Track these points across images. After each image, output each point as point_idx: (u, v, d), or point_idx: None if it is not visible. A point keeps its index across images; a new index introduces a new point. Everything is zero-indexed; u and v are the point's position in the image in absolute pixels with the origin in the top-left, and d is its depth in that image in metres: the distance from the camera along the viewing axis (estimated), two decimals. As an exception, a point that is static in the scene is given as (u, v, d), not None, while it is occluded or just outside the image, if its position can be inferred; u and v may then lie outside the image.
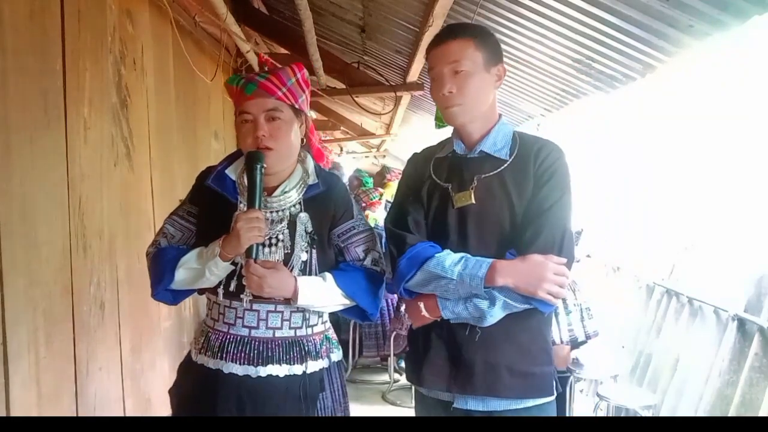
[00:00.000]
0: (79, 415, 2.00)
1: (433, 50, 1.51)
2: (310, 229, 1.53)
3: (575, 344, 2.69)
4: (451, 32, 1.52)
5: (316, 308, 1.54)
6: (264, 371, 1.48)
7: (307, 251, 1.51)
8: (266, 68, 1.64)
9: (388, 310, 4.55)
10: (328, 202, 1.57)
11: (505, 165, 1.48)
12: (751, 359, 2.61)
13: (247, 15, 4.00)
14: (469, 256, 1.42)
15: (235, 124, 1.56)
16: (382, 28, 4.02)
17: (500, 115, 1.56)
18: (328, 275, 1.53)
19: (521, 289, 1.37)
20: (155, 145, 2.69)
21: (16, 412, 1.66)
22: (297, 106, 1.54)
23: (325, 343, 1.60)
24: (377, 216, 4.62)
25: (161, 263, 1.51)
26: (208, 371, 1.50)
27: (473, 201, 1.47)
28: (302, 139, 1.59)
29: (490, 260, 1.40)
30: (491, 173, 1.48)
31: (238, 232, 1.40)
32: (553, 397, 1.51)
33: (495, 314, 1.40)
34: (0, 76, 1.64)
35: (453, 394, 1.49)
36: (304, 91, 1.57)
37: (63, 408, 1.92)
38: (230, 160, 1.60)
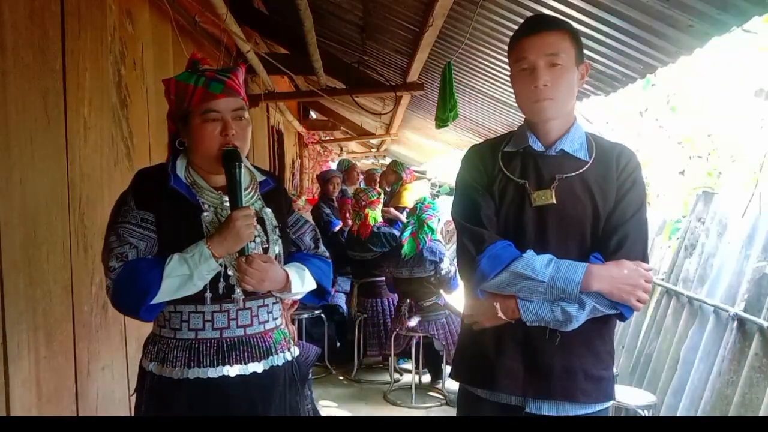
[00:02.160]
0: (80, 415, 2.00)
1: (527, 39, 1.42)
2: (275, 223, 1.57)
3: None
4: (547, 23, 1.45)
5: (298, 296, 1.61)
6: (267, 364, 1.52)
7: (278, 244, 1.56)
8: (202, 65, 1.59)
9: (390, 311, 4.55)
10: (279, 197, 1.65)
11: (587, 167, 1.44)
12: (751, 359, 2.61)
13: (247, 15, 4.00)
14: (556, 258, 1.38)
15: (192, 124, 1.47)
16: (382, 28, 4.03)
17: (576, 116, 1.52)
18: (300, 264, 1.61)
19: (614, 295, 1.35)
20: (155, 145, 2.68)
21: (16, 412, 1.66)
22: (248, 107, 1.56)
23: (287, 330, 1.67)
24: (376, 215, 4.61)
25: (141, 276, 1.39)
26: (209, 382, 1.45)
27: (554, 200, 1.42)
28: None
29: (585, 264, 1.36)
30: (573, 173, 1.44)
31: (238, 230, 1.40)
32: (614, 401, 1.51)
33: (581, 319, 1.37)
34: (0, 76, 1.64)
35: (525, 398, 1.44)
36: (246, 91, 1.59)
37: (63, 408, 1.92)
38: (173, 161, 1.53)
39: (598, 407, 1.45)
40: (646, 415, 2.68)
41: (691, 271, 3.33)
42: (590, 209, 1.42)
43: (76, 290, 2.00)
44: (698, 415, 2.83)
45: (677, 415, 2.98)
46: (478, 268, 1.40)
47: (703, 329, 3.03)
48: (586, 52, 2.90)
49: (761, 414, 2.47)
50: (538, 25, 1.45)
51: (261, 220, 1.53)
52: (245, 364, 1.49)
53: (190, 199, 1.48)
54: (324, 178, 5.87)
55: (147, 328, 1.60)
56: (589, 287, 1.35)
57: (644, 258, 1.41)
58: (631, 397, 2.77)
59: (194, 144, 1.49)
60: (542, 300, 1.38)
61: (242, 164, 1.45)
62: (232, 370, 1.47)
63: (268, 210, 1.57)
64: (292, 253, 1.65)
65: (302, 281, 1.57)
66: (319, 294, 1.68)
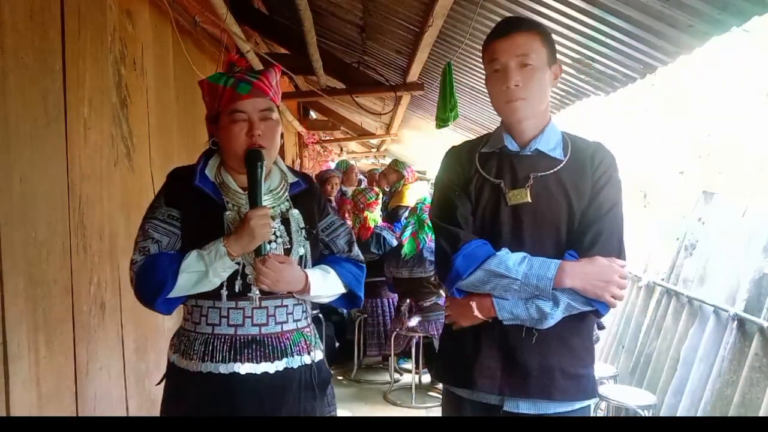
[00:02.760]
0: (80, 415, 2.00)
1: (498, 41, 1.46)
2: (302, 224, 1.56)
3: None
4: (519, 25, 1.47)
5: (322, 299, 1.59)
6: (280, 365, 1.51)
7: (303, 246, 1.55)
8: (237, 68, 1.61)
9: (389, 309, 4.55)
10: (311, 199, 1.64)
11: (561, 165, 1.46)
12: (751, 359, 2.61)
13: (247, 15, 4.00)
14: (530, 256, 1.39)
15: (218, 124, 1.52)
16: (382, 28, 4.03)
17: (551, 116, 1.54)
18: (327, 267, 1.59)
19: (588, 291, 1.36)
20: (155, 145, 2.69)
21: (16, 412, 1.66)
22: (279, 107, 1.56)
23: (314, 333, 1.65)
24: (375, 216, 4.61)
25: (159, 270, 1.44)
26: (219, 377, 1.47)
27: (529, 199, 1.44)
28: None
29: (558, 261, 1.38)
30: (547, 172, 1.46)
31: (252, 229, 1.41)
32: (596, 399, 1.51)
33: (556, 316, 1.38)
34: (0, 76, 1.64)
35: (503, 397, 1.45)
36: (279, 92, 1.59)
37: (63, 408, 1.92)
38: (204, 160, 1.58)
39: (577, 405, 1.45)
40: (646, 415, 2.68)
41: (691, 271, 3.33)
42: (565, 207, 1.43)
43: (75, 290, 2.00)
44: (698, 415, 2.83)
45: (677, 415, 2.98)
46: (453, 267, 1.42)
47: (703, 329, 3.03)
48: (585, 52, 2.92)
49: (761, 414, 2.47)
50: (509, 26, 1.48)
51: (286, 221, 1.54)
52: (257, 363, 1.49)
53: (214, 198, 1.51)
54: (322, 178, 5.87)
55: (144, 329, 1.61)
56: (562, 284, 1.36)
57: (619, 254, 1.41)
58: (631, 397, 2.77)
59: (224, 144, 1.53)
60: (517, 298, 1.39)
61: (263, 165, 1.46)
62: (243, 368, 1.48)
63: (296, 211, 1.56)
64: (325, 256, 1.65)
65: (325, 284, 1.56)
66: (350, 299, 1.66)
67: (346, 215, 4.95)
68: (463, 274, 1.41)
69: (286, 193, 1.58)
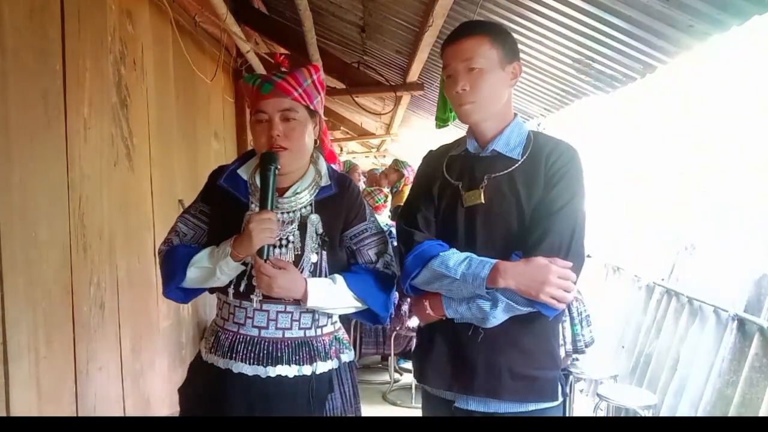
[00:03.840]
0: (79, 415, 2.00)
1: (448, 47, 1.49)
2: (320, 230, 1.52)
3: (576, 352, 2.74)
4: (466, 29, 1.49)
5: (326, 310, 1.53)
6: (273, 371, 1.48)
7: (317, 253, 1.51)
8: (283, 68, 1.61)
9: (389, 309, 4.54)
10: (340, 204, 1.57)
11: (517, 165, 1.46)
12: (751, 359, 2.61)
13: (247, 15, 4.00)
14: (474, 256, 1.40)
15: (249, 124, 1.58)
16: (382, 28, 4.03)
17: (516, 114, 1.54)
18: (339, 277, 1.52)
19: (523, 291, 1.35)
20: (155, 145, 2.69)
21: (16, 412, 1.66)
22: (312, 107, 1.53)
23: (334, 344, 1.58)
24: (384, 219, 4.60)
25: (173, 261, 1.51)
26: (218, 371, 1.50)
27: (482, 200, 1.45)
28: (315, 141, 1.58)
29: (494, 261, 1.38)
30: (502, 173, 1.47)
31: (250, 232, 1.40)
32: (557, 402, 1.48)
33: (497, 316, 1.38)
34: (0, 76, 1.64)
35: (454, 393, 1.48)
36: (319, 93, 1.56)
37: (63, 408, 1.92)
38: (243, 159, 1.61)
39: (531, 406, 1.44)
40: (646, 415, 2.68)
41: (691, 271, 3.33)
42: (514, 207, 1.44)
43: (75, 290, 2.00)
44: (698, 415, 2.83)
45: (677, 415, 2.98)
46: (405, 267, 1.47)
47: (703, 329, 3.03)
48: (586, 52, 2.92)
49: (761, 414, 2.47)
50: (458, 32, 1.50)
51: (303, 226, 1.52)
52: (249, 364, 1.48)
53: (240, 197, 1.53)
54: None
55: (140, 329, 1.62)
56: (496, 284, 1.36)
57: (567, 253, 1.37)
58: (631, 397, 2.77)
59: (253, 143, 1.56)
60: (460, 297, 1.41)
61: (276, 168, 1.45)
62: (236, 367, 1.48)
63: (315, 216, 1.52)
64: (351, 265, 1.59)
65: (328, 295, 1.49)
66: (370, 315, 1.58)
67: None
68: (411, 273, 1.45)
69: (312, 197, 1.55)
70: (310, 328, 1.54)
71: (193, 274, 1.49)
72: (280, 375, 1.48)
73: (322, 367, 1.53)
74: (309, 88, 1.52)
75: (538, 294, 1.34)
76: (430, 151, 1.66)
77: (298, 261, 1.49)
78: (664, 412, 3.09)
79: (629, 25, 2.42)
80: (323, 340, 1.56)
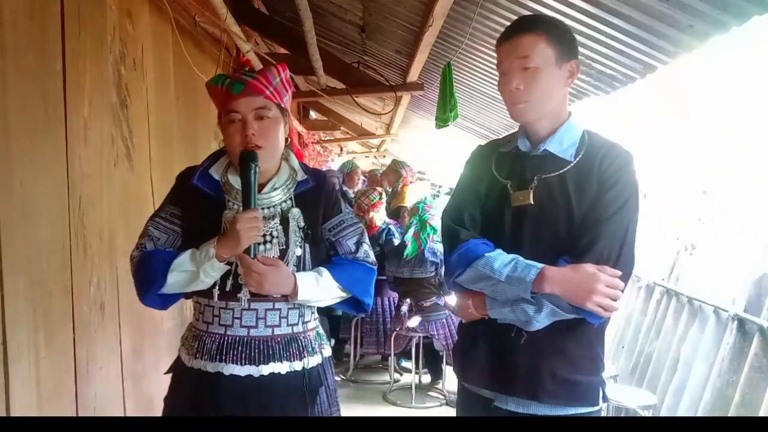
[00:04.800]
0: (79, 415, 2.00)
1: (503, 44, 1.45)
2: (302, 224, 1.54)
3: None
4: (522, 26, 1.46)
5: (314, 303, 1.56)
6: (266, 369, 1.49)
7: (301, 246, 1.53)
8: (247, 68, 1.61)
9: (390, 309, 4.54)
10: (318, 197, 1.60)
11: (569, 167, 1.43)
12: (751, 359, 2.61)
13: (247, 15, 4.00)
14: (520, 258, 1.38)
15: (220, 125, 1.54)
16: (382, 28, 4.03)
17: (570, 113, 1.51)
18: (324, 269, 1.54)
19: (569, 298, 1.33)
20: (155, 145, 2.69)
21: (16, 412, 1.66)
22: (283, 105, 1.54)
23: (318, 339, 1.62)
24: (382, 216, 4.60)
25: (151, 267, 1.47)
26: (207, 375, 1.48)
27: (531, 201, 1.42)
28: (286, 139, 1.59)
29: (541, 265, 1.35)
30: (553, 174, 1.43)
31: (238, 232, 1.39)
32: (597, 407, 1.48)
33: (541, 320, 1.36)
34: (0, 76, 1.64)
35: (494, 392, 1.48)
36: (287, 91, 1.56)
37: (63, 408, 1.92)
38: (212, 159, 1.59)
39: (571, 411, 1.43)
40: (646, 415, 2.68)
41: (691, 271, 3.33)
42: (564, 210, 1.41)
43: (75, 290, 2.00)
44: (698, 415, 2.83)
45: (677, 415, 2.98)
46: (450, 265, 1.47)
47: (703, 329, 3.03)
48: (585, 52, 2.92)
49: (761, 414, 2.47)
50: (512, 29, 1.47)
51: (285, 221, 1.52)
52: (241, 365, 1.47)
53: (215, 197, 1.52)
54: None
55: (141, 330, 1.62)
56: (541, 289, 1.34)
57: (616, 261, 1.35)
58: (631, 397, 2.77)
59: (225, 144, 1.54)
60: (504, 298, 1.40)
61: (257, 166, 1.44)
62: (227, 369, 1.47)
63: (296, 210, 1.54)
64: (331, 257, 1.61)
65: (317, 288, 1.51)
66: (354, 304, 1.61)
67: None
68: (455, 272, 1.45)
69: (290, 192, 1.56)
70: (297, 324, 1.55)
71: (174, 279, 1.45)
72: (272, 372, 1.49)
73: (311, 361, 1.55)
74: (279, 86, 1.52)
75: (584, 302, 1.32)
76: (480, 146, 1.63)
77: (283, 256, 1.50)
78: (664, 412, 3.09)
79: (629, 25, 2.42)
80: (309, 336, 1.58)
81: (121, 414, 2.32)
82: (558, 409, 1.43)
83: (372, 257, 1.66)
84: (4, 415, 1.62)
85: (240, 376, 1.47)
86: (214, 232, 1.46)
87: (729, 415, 2.63)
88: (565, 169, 1.43)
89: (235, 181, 1.53)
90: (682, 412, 2.97)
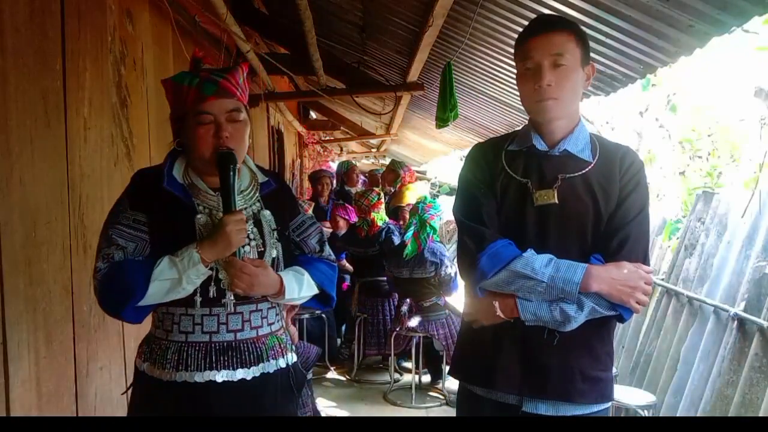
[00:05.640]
0: (80, 415, 2.00)
1: (533, 39, 1.43)
2: (274, 225, 1.53)
3: None
4: (554, 24, 1.46)
5: (295, 301, 1.56)
6: (257, 370, 1.48)
7: (276, 247, 1.53)
8: (203, 64, 1.57)
9: (390, 309, 4.54)
10: (282, 198, 1.60)
11: (590, 167, 1.44)
12: (751, 359, 2.61)
13: (247, 15, 4.00)
14: (556, 258, 1.38)
15: (182, 124, 1.47)
16: (382, 28, 4.03)
17: (580, 117, 1.53)
18: (300, 268, 1.56)
19: (614, 296, 1.35)
20: (155, 145, 2.69)
21: (16, 412, 1.66)
22: (247, 106, 1.52)
23: (287, 336, 1.62)
24: (382, 215, 4.59)
25: (127, 278, 1.38)
26: (195, 386, 1.43)
27: (556, 200, 1.42)
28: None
29: (584, 265, 1.36)
30: (575, 174, 1.44)
31: (228, 235, 1.37)
32: (612, 402, 1.50)
33: (580, 320, 1.37)
34: (0, 76, 1.64)
35: (522, 397, 1.44)
36: (247, 91, 1.55)
37: (63, 408, 1.92)
38: (171, 161, 1.52)
39: (595, 408, 1.45)
40: (646, 415, 2.68)
41: (691, 271, 3.33)
42: (592, 210, 1.42)
43: (75, 290, 2.00)
44: (698, 415, 2.83)
45: (677, 415, 2.98)
46: (479, 266, 1.40)
47: (703, 329, 3.03)
48: (586, 52, 2.91)
49: (761, 414, 2.47)
50: (545, 25, 1.46)
51: (258, 223, 1.51)
52: (233, 369, 1.45)
53: (184, 200, 1.46)
54: (314, 178, 5.88)
55: (145, 329, 1.60)
56: (588, 288, 1.34)
57: (645, 260, 1.41)
58: (631, 397, 2.77)
59: (190, 146, 1.47)
60: (541, 300, 1.38)
61: (236, 168, 1.43)
62: (219, 376, 1.43)
63: (267, 212, 1.53)
64: (296, 256, 1.61)
65: (299, 286, 1.53)
66: (323, 300, 1.63)
67: (340, 223, 4.93)
68: (488, 273, 1.39)
69: (257, 194, 1.55)
70: (274, 323, 1.56)
71: (154, 289, 1.37)
72: (264, 372, 1.49)
73: (292, 357, 1.57)
74: (243, 87, 1.50)
75: (628, 299, 1.36)
76: (479, 144, 1.61)
77: (260, 257, 1.49)
78: (664, 412, 3.09)
79: (629, 25, 2.42)
80: (283, 333, 1.59)
81: (124, 414, 2.32)
82: (584, 408, 1.44)
83: (333, 255, 1.70)
84: (4, 415, 1.62)
85: (233, 381, 1.45)
86: (188, 238, 1.41)
87: (729, 415, 2.63)
88: (587, 170, 1.44)
89: (199, 183, 1.49)
90: (682, 412, 2.97)
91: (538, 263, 1.37)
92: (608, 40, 2.67)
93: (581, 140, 1.47)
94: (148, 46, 2.67)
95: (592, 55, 2.88)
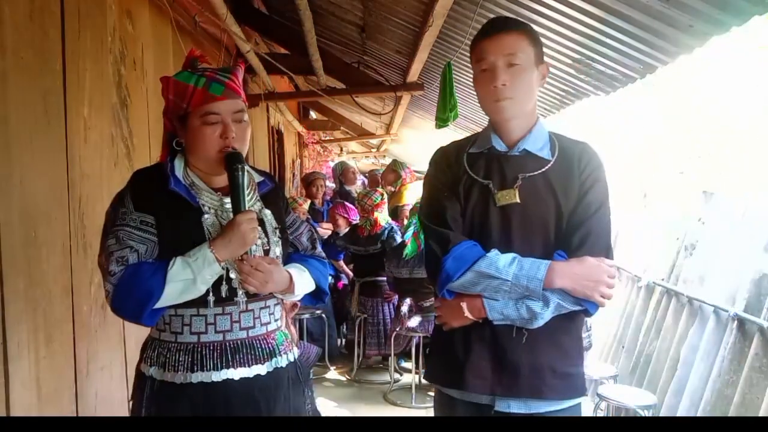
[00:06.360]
0: (79, 415, 2.00)
1: (486, 41, 1.45)
2: (275, 224, 1.56)
3: None
4: (507, 24, 1.48)
5: (297, 297, 1.60)
6: (270, 365, 1.51)
7: (278, 245, 1.55)
8: (200, 63, 1.57)
9: (390, 309, 4.55)
10: (278, 198, 1.63)
11: (549, 165, 1.46)
12: (751, 359, 2.61)
13: (247, 15, 4.00)
14: (520, 257, 1.40)
15: (190, 125, 1.45)
16: (382, 28, 4.02)
17: (538, 116, 1.55)
18: (300, 265, 1.60)
19: (578, 291, 1.37)
20: (155, 145, 2.68)
21: (16, 412, 1.66)
22: (247, 106, 1.54)
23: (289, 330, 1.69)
24: (385, 216, 4.60)
25: (143, 281, 1.36)
26: (213, 386, 1.43)
27: (517, 200, 1.44)
28: None
29: (547, 262, 1.39)
30: (535, 173, 1.46)
31: (243, 234, 1.39)
32: (584, 397, 1.51)
33: (546, 316, 1.39)
34: (0, 76, 1.64)
35: (494, 397, 1.45)
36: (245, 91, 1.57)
37: (63, 408, 1.92)
38: (171, 161, 1.50)
39: (567, 404, 1.46)
40: (646, 415, 2.68)
41: (691, 271, 3.33)
42: (553, 207, 1.44)
43: (75, 290, 2.00)
44: (698, 415, 2.83)
45: (677, 415, 2.98)
46: (444, 269, 1.43)
47: (703, 329, 3.03)
48: (585, 52, 2.92)
49: (761, 414, 2.47)
50: (497, 26, 1.48)
51: (261, 222, 1.52)
52: (249, 366, 1.47)
53: (190, 201, 1.46)
54: (307, 180, 5.89)
55: (146, 329, 1.59)
56: (552, 284, 1.37)
57: (607, 254, 1.42)
58: (631, 397, 2.77)
59: (193, 145, 1.47)
60: (507, 298, 1.40)
61: (245, 168, 1.44)
62: (236, 374, 1.45)
63: (268, 211, 1.55)
64: (290, 254, 1.64)
65: (303, 282, 1.58)
66: (316, 295, 1.68)
67: (339, 221, 4.94)
68: (453, 275, 1.42)
69: (257, 194, 1.56)
70: (279, 319, 1.59)
71: (169, 291, 1.37)
72: (276, 367, 1.52)
73: (296, 351, 1.61)
74: (243, 87, 1.53)
75: (592, 293, 1.38)
76: (442, 148, 1.62)
77: (266, 255, 1.51)
78: (664, 412, 3.09)
79: (629, 25, 2.42)
80: (289, 329, 1.66)
81: (125, 414, 2.32)
82: (556, 404, 1.45)
83: (323, 252, 1.76)
84: (4, 415, 1.62)
85: (249, 377, 1.47)
86: (197, 238, 1.42)
87: (729, 415, 2.63)
88: (546, 168, 1.47)
89: (200, 183, 1.50)
90: (682, 412, 2.97)
91: (502, 262, 1.39)
92: (608, 40, 2.67)
93: (540, 139, 1.50)
94: (148, 46, 2.67)
95: (592, 54, 2.91)
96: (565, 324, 1.44)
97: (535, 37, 1.48)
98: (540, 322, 1.39)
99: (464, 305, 1.44)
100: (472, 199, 1.49)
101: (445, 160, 1.57)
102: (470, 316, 1.44)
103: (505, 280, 1.38)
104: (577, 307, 1.40)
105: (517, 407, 1.44)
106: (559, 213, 1.44)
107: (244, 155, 1.49)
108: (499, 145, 1.50)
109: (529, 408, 1.44)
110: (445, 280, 1.43)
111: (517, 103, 1.45)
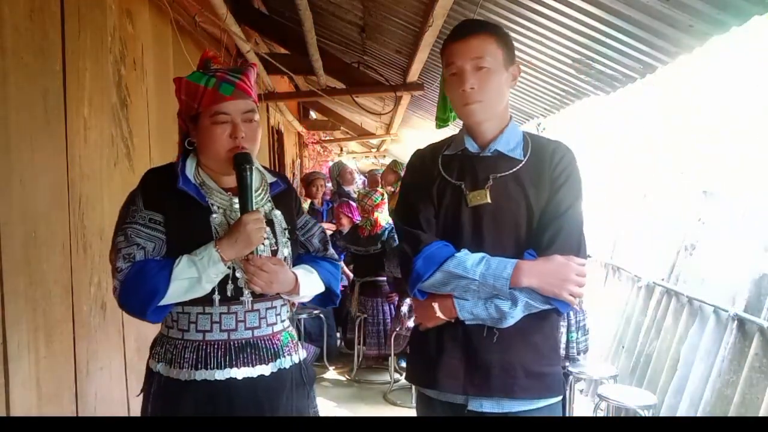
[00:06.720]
0: (79, 415, 2.00)
1: (453, 44, 1.47)
2: (284, 225, 1.56)
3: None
4: (473, 27, 1.48)
5: (306, 298, 1.59)
6: (274, 366, 1.51)
7: (287, 246, 1.55)
8: (213, 64, 1.58)
9: (390, 309, 4.55)
10: (290, 199, 1.63)
11: (520, 165, 1.47)
12: (751, 359, 2.61)
13: (247, 15, 4.00)
14: (489, 256, 1.41)
15: (201, 125, 1.46)
16: (382, 28, 4.03)
17: (511, 116, 1.56)
18: (308, 266, 1.60)
19: (545, 289, 1.37)
20: (155, 145, 2.69)
21: (16, 412, 1.66)
22: (258, 107, 1.54)
23: (294, 332, 1.66)
24: (386, 216, 4.61)
25: (149, 278, 1.38)
26: (215, 384, 1.44)
27: (488, 200, 1.45)
28: None
29: (514, 261, 1.39)
30: (506, 173, 1.47)
31: (249, 234, 1.40)
32: (561, 397, 1.51)
33: (516, 315, 1.39)
34: (0, 76, 1.64)
35: (467, 396, 1.46)
36: (256, 92, 1.57)
37: (63, 408, 1.92)
38: (183, 160, 1.52)
39: (541, 403, 1.46)
40: (646, 415, 2.68)
41: (691, 271, 3.33)
42: (524, 207, 1.45)
43: (75, 290, 2.00)
44: (698, 415, 2.83)
45: (677, 415, 2.98)
46: (414, 269, 1.44)
47: (703, 329, 3.03)
48: (585, 52, 2.92)
49: (761, 414, 2.47)
50: (464, 30, 1.48)
51: (270, 222, 1.52)
52: (253, 366, 1.47)
53: (199, 200, 1.47)
54: (307, 180, 5.89)
55: (145, 328, 1.60)
56: (519, 283, 1.37)
57: (578, 252, 1.42)
58: (631, 397, 2.77)
59: (204, 145, 1.48)
60: (476, 298, 1.41)
61: (254, 168, 1.45)
62: (240, 373, 1.46)
63: (278, 212, 1.56)
64: (301, 255, 1.64)
65: (310, 284, 1.57)
66: (327, 298, 1.67)
67: (343, 220, 4.94)
68: (423, 275, 1.43)
69: (267, 194, 1.57)
70: (285, 320, 1.59)
71: (174, 288, 1.39)
72: (280, 368, 1.51)
73: (303, 353, 1.60)
74: (254, 87, 1.53)
75: (560, 291, 1.37)
76: (419, 150, 1.64)
77: (274, 256, 1.51)
78: (664, 412, 3.09)
79: (629, 25, 2.42)
80: (292, 330, 1.63)
81: (125, 414, 2.32)
82: (530, 403, 1.45)
83: (335, 254, 1.74)
84: (4, 415, 1.62)
85: (253, 377, 1.47)
86: (204, 237, 1.43)
87: (729, 415, 2.63)
88: (517, 168, 1.47)
89: (211, 182, 1.51)
90: (682, 412, 2.97)
91: (470, 262, 1.39)
92: (608, 40, 2.67)
93: (513, 139, 1.50)
94: (148, 46, 2.67)
95: (592, 54, 2.91)
96: (538, 323, 1.45)
97: (505, 39, 1.49)
98: (510, 321, 1.39)
99: (436, 305, 1.45)
100: (445, 200, 1.50)
101: (421, 162, 1.60)
102: (442, 316, 1.45)
103: (473, 279, 1.38)
104: (547, 306, 1.40)
105: (489, 407, 1.45)
106: (531, 212, 1.44)
107: (255, 155, 1.50)
108: (472, 147, 1.52)
109: (502, 407, 1.45)
110: (416, 280, 1.44)
111: (486, 106, 1.46)
